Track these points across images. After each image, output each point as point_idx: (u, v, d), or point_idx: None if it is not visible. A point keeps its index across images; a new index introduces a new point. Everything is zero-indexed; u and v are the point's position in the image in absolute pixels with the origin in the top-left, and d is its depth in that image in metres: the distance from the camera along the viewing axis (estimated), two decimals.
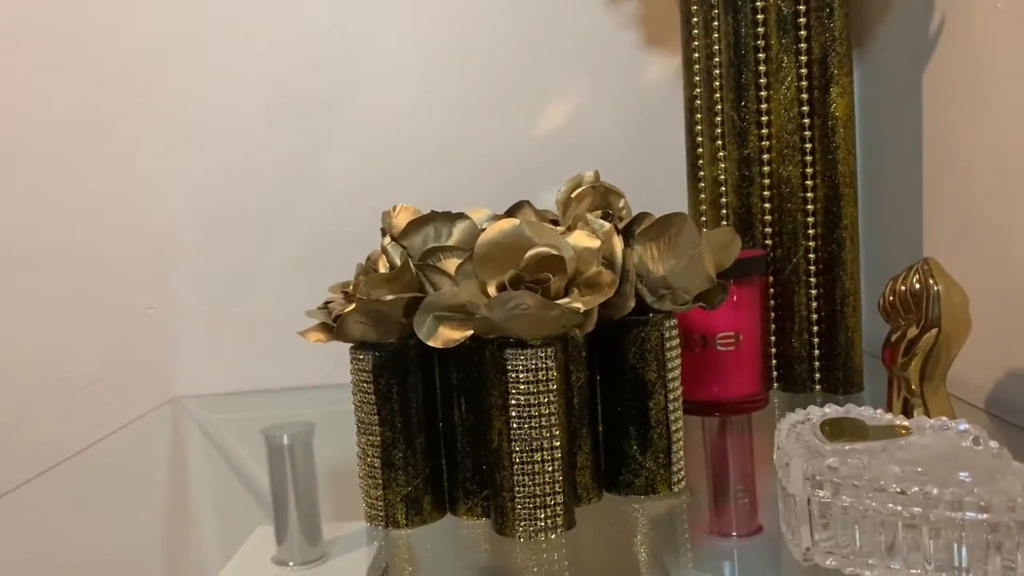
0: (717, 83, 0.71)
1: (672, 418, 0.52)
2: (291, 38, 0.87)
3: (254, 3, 0.86)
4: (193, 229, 0.87)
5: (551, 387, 0.47)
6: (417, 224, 0.52)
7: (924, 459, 0.42)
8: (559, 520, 0.48)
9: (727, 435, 0.66)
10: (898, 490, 0.39)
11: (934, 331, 0.54)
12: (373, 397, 0.50)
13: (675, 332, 0.52)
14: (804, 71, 0.68)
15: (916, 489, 0.39)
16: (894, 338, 0.56)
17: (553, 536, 0.48)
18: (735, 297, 0.64)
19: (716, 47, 0.71)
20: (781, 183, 0.70)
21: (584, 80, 0.88)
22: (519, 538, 0.48)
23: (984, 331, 0.56)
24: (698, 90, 0.73)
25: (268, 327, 0.88)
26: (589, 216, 0.51)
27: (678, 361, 0.53)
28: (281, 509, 0.48)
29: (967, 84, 0.67)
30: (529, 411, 0.47)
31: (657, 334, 0.51)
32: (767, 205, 0.70)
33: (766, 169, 0.70)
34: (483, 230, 0.51)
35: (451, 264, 0.50)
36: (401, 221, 0.53)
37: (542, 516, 0.48)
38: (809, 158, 0.69)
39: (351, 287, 0.52)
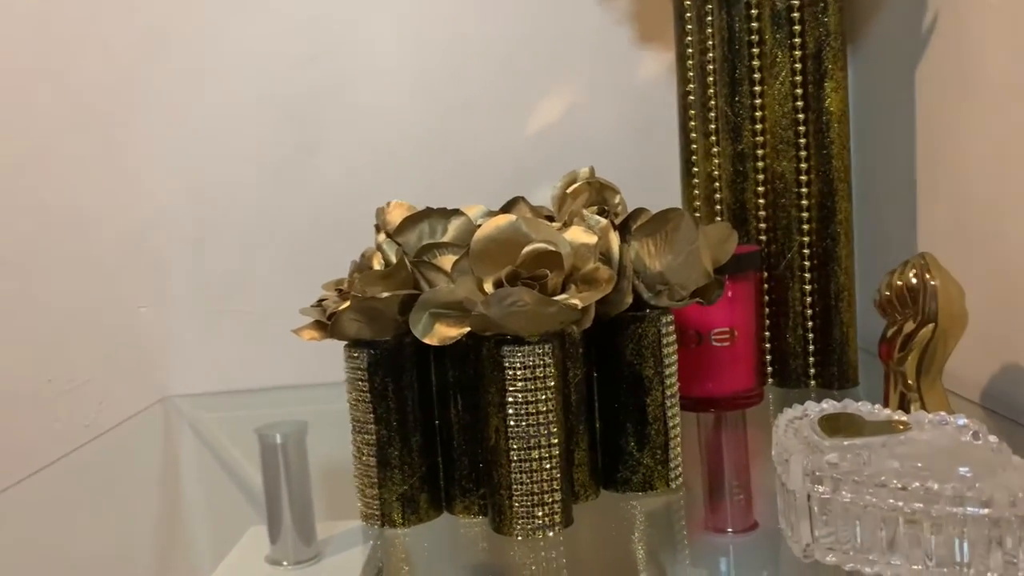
0: (711, 79, 0.71)
1: (669, 414, 0.52)
2: (284, 34, 0.86)
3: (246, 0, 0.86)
4: (185, 227, 0.87)
5: (549, 384, 0.47)
6: (412, 220, 0.51)
7: (924, 454, 0.42)
8: (557, 518, 0.48)
9: (722, 431, 0.66)
10: (899, 486, 0.39)
11: (931, 326, 0.54)
12: (368, 395, 0.50)
13: (672, 328, 0.52)
14: (798, 66, 0.68)
15: (917, 484, 0.39)
16: (890, 333, 0.56)
17: (551, 534, 0.48)
18: (730, 293, 0.64)
19: (710, 42, 0.70)
20: (775, 178, 0.69)
21: (578, 77, 0.88)
22: (517, 536, 0.48)
23: (978, 326, 0.56)
24: (692, 86, 0.73)
25: (260, 325, 0.88)
26: (585, 212, 0.51)
27: (675, 357, 0.53)
28: (275, 508, 0.47)
29: (960, 79, 0.67)
30: (527, 408, 0.47)
31: (654, 330, 0.51)
32: (761, 201, 0.70)
33: (760, 164, 0.70)
34: (479, 226, 0.51)
35: (447, 261, 0.49)
36: (395, 217, 0.53)
37: (540, 514, 0.47)
38: (803, 153, 0.69)
39: (345, 284, 0.52)
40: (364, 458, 0.50)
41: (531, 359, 0.47)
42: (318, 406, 0.84)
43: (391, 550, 0.50)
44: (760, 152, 0.70)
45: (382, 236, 0.51)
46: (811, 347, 0.70)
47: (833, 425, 0.46)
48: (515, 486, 0.47)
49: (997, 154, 0.63)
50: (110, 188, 0.86)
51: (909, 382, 0.55)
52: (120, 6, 0.84)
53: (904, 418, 0.46)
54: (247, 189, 0.87)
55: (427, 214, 0.52)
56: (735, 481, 0.59)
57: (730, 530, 0.52)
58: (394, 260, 0.50)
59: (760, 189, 0.70)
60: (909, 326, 0.55)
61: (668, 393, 0.52)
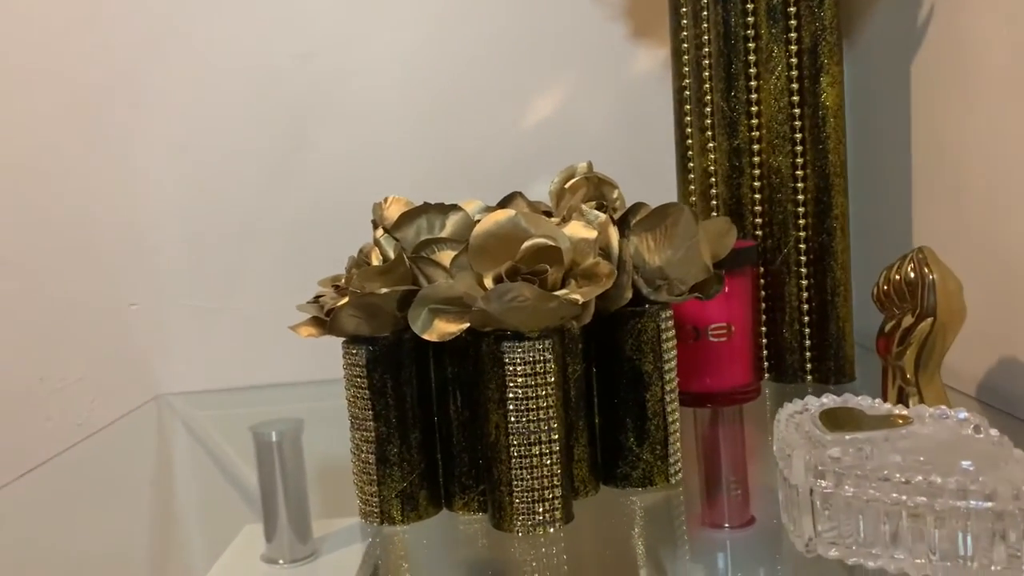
0: (706, 73, 0.71)
1: (669, 410, 0.52)
2: (278, 31, 0.85)
3: None
4: (177, 223, 0.86)
5: (549, 380, 0.47)
6: (409, 216, 0.51)
7: (926, 448, 0.42)
8: (558, 514, 0.48)
9: (719, 426, 0.66)
10: (902, 479, 0.39)
11: (929, 320, 0.54)
12: (367, 392, 0.49)
13: (671, 323, 0.52)
14: (794, 60, 0.68)
15: (920, 478, 0.39)
16: (888, 327, 0.56)
17: (552, 530, 0.48)
18: (727, 288, 0.64)
19: (705, 37, 0.70)
20: (771, 173, 0.69)
21: (573, 71, 0.87)
22: (517, 532, 0.47)
23: (974, 320, 0.56)
24: (687, 81, 0.72)
25: (253, 322, 0.87)
26: (584, 207, 0.51)
27: (674, 352, 0.53)
28: (270, 506, 0.47)
29: (956, 73, 0.67)
30: (527, 404, 0.47)
31: (653, 325, 0.51)
32: (757, 196, 0.70)
33: (756, 160, 0.70)
34: (477, 222, 0.51)
35: (445, 256, 0.49)
36: (393, 213, 0.53)
37: (540, 510, 0.47)
38: (799, 148, 0.69)
39: (343, 280, 0.52)
40: (363, 455, 0.50)
41: (531, 355, 0.46)
42: (312, 403, 0.84)
43: (388, 547, 0.50)
44: (756, 147, 0.69)
45: (380, 232, 0.51)
46: (807, 342, 0.70)
47: (834, 420, 0.46)
48: (515, 482, 0.47)
49: (993, 149, 0.63)
50: (102, 185, 0.85)
51: (908, 376, 0.55)
52: (117, 3, 0.84)
53: (905, 412, 0.46)
54: (240, 185, 0.86)
55: (425, 209, 0.51)
56: (732, 477, 0.59)
57: (727, 526, 0.52)
58: (392, 256, 0.49)
59: (756, 184, 0.70)
60: (908, 320, 0.55)
61: (667, 388, 0.52)
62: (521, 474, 0.47)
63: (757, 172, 0.70)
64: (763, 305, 0.71)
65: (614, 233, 0.49)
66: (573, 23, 0.86)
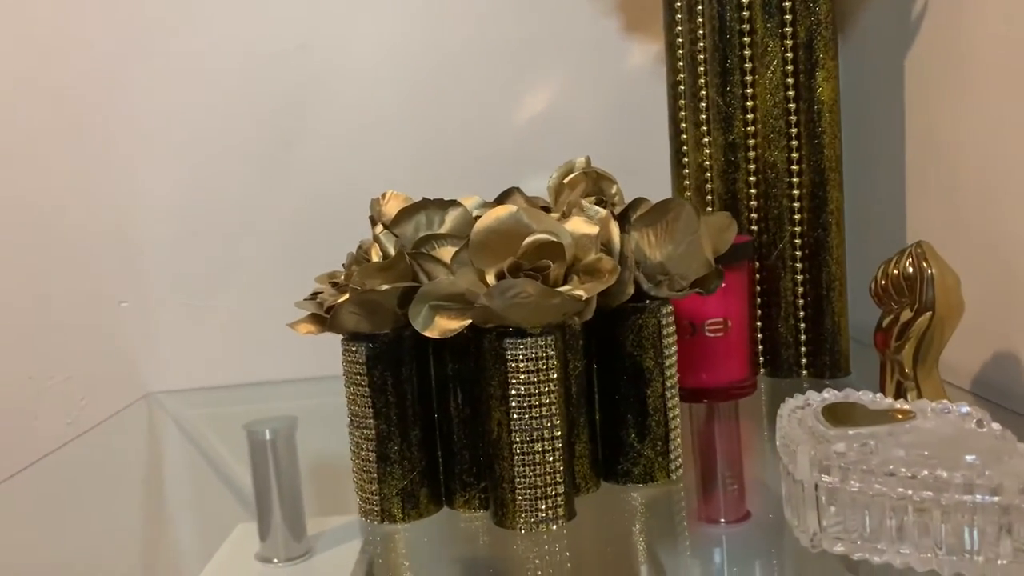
0: (701, 68, 0.71)
1: (669, 405, 0.52)
2: (267, 27, 0.85)
3: None
4: (167, 220, 0.85)
5: (551, 376, 0.47)
6: (408, 212, 0.51)
7: (929, 443, 0.42)
8: (560, 511, 0.47)
9: (715, 422, 0.66)
10: (908, 474, 0.39)
11: (928, 314, 0.54)
12: (367, 390, 0.49)
13: (672, 319, 0.52)
14: (790, 55, 0.68)
15: (926, 473, 0.39)
16: (886, 322, 0.56)
17: (555, 527, 0.47)
18: (723, 283, 0.64)
19: (700, 32, 0.70)
20: (767, 168, 0.69)
21: (565, 66, 0.87)
22: (520, 530, 0.47)
23: (969, 314, 0.56)
24: (682, 75, 0.72)
25: (245, 320, 0.87)
26: (584, 202, 0.51)
27: (675, 348, 0.53)
28: (264, 505, 0.47)
29: (951, 67, 0.67)
30: (529, 401, 0.46)
31: (654, 321, 0.51)
32: (753, 191, 0.70)
33: (751, 155, 0.70)
34: (476, 217, 0.50)
35: (445, 252, 0.49)
36: (391, 209, 0.52)
37: (543, 507, 0.47)
38: (795, 143, 0.69)
39: (342, 277, 0.51)
40: (363, 453, 0.50)
41: (534, 351, 0.46)
42: (304, 401, 0.83)
43: (384, 545, 0.49)
44: (751, 142, 0.69)
45: (379, 228, 0.50)
46: (803, 337, 0.70)
47: (836, 415, 0.46)
48: (518, 480, 0.47)
49: (987, 143, 0.63)
50: (90, 181, 0.84)
51: (906, 371, 0.55)
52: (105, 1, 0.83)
53: (906, 407, 0.46)
54: (230, 181, 0.86)
55: (424, 205, 0.51)
56: (728, 472, 0.59)
57: (723, 520, 0.52)
58: (392, 252, 0.49)
59: (752, 179, 0.70)
60: (906, 315, 0.55)
61: (668, 384, 0.52)
62: (524, 471, 0.47)
63: (752, 167, 0.70)
64: (758, 300, 0.71)
65: (615, 229, 0.49)
66: (566, 17, 0.86)
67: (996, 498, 0.38)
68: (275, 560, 0.47)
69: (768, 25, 0.68)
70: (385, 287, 0.47)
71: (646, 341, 0.51)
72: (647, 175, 0.77)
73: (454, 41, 0.86)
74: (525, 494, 0.47)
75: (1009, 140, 0.60)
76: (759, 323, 0.71)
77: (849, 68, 0.79)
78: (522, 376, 0.46)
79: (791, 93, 0.68)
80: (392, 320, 0.49)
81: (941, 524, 0.39)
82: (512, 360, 0.46)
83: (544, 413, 0.47)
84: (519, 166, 0.84)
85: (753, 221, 0.70)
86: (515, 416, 0.46)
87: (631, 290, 0.49)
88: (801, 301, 0.70)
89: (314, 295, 0.53)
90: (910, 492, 0.39)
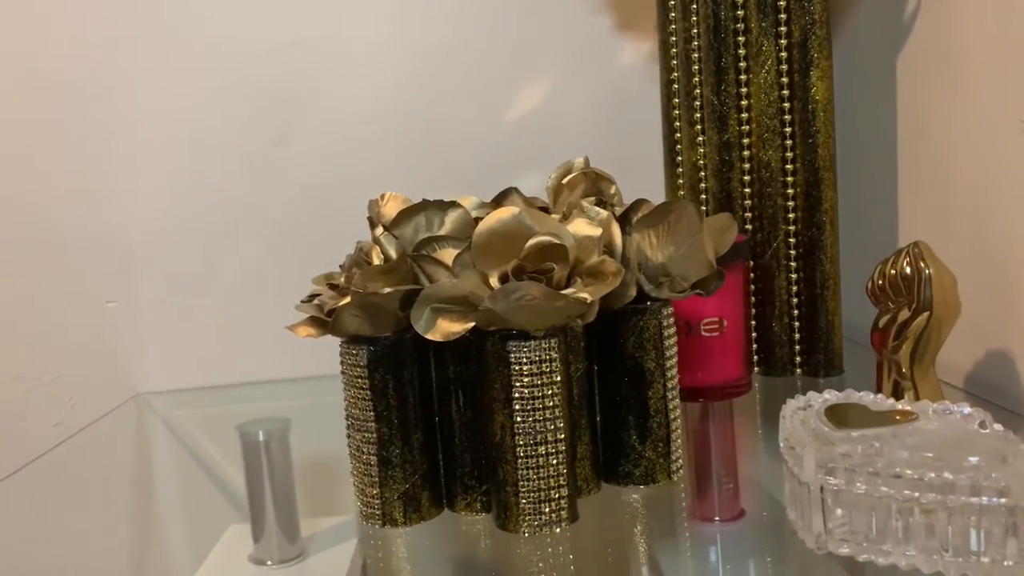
0: (696, 67, 0.71)
1: (670, 407, 0.52)
2: (257, 25, 0.84)
3: None
4: (156, 218, 0.84)
5: (555, 379, 0.46)
6: (408, 213, 0.50)
7: (933, 444, 0.43)
8: (564, 514, 0.47)
9: (710, 421, 0.66)
10: (915, 476, 0.39)
11: (925, 314, 0.54)
12: (368, 393, 0.48)
13: (672, 320, 0.52)
14: (784, 55, 0.68)
15: (933, 475, 0.39)
16: (883, 322, 0.57)
17: (558, 530, 0.47)
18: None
19: (695, 31, 0.70)
20: (761, 167, 0.69)
21: (557, 64, 0.87)
22: (524, 533, 0.47)
23: (962, 312, 0.56)
24: (676, 74, 0.72)
25: (234, 320, 0.86)
26: (585, 203, 0.50)
27: (675, 349, 0.52)
28: (258, 507, 0.47)
29: (942, 67, 0.67)
30: (533, 404, 0.46)
31: (655, 322, 0.51)
32: (747, 190, 0.70)
33: (746, 154, 0.70)
34: (476, 219, 0.50)
35: (446, 254, 0.48)
36: (390, 210, 0.52)
37: (547, 510, 0.47)
38: (789, 142, 0.69)
39: (341, 279, 0.51)
40: (364, 457, 0.49)
41: (537, 354, 0.46)
42: (294, 400, 0.83)
43: (378, 546, 0.49)
44: (746, 141, 0.69)
45: (380, 230, 0.50)
46: (797, 335, 0.70)
47: (838, 416, 0.46)
48: (521, 483, 0.47)
49: (979, 143, 0.64)
50: (79, 179, 0.83)
51: (903, 370, 0.56)
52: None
53: (908, 408, 0.46)
54: (220, 180, 0.85)
55: (423, 207, 0.50)
56: (723, 471, 0.59)
57: (718, 519, 0.52)
58: (394, 254, 0.49)
59: (746, 178, 0.70)
60: (904, 314, 0.55)
61: (669, 386, 0.52)
62: (527, 474, 0.47)
63: (747, 166, 0.70)
64: (753, 299, 0.71)
65: (617, 230, 0.49)
66: (558, 15, 0.86)
67: (1003, 500, 0.38)
68: (269, 562, 0.47)
69: (763, 24, 0.68)
70: (388, 290, 0.46)
71: (647, 342, 0.51)
72: (640, 174, 0.77)
73: (445, 39, 0.85)
74: (529, 497, 0.47)
75: (1000, 140, 0.61)
76: (753, 322, 0.71)
77: (842, 68, 0.80)
78: (525, 379, 0.46)
79: (785, 92, 0.68)
80: (393, 323, 0.48)
81: (948, 526, 0.39)
82: (516, 363, 0.46)
83: (548, 416, 0.46)
84: (511, 164, 0.84)
85: (747, 220, 0.70)
86: (519, 419, 0.46)
87: (633, 292, 0.49)
88: (795, 300, 0.70)
89: (311, 297, 0.53)
90: (916, 494, 0.39)
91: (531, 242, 0.46)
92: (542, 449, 0.47)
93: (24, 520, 0.61)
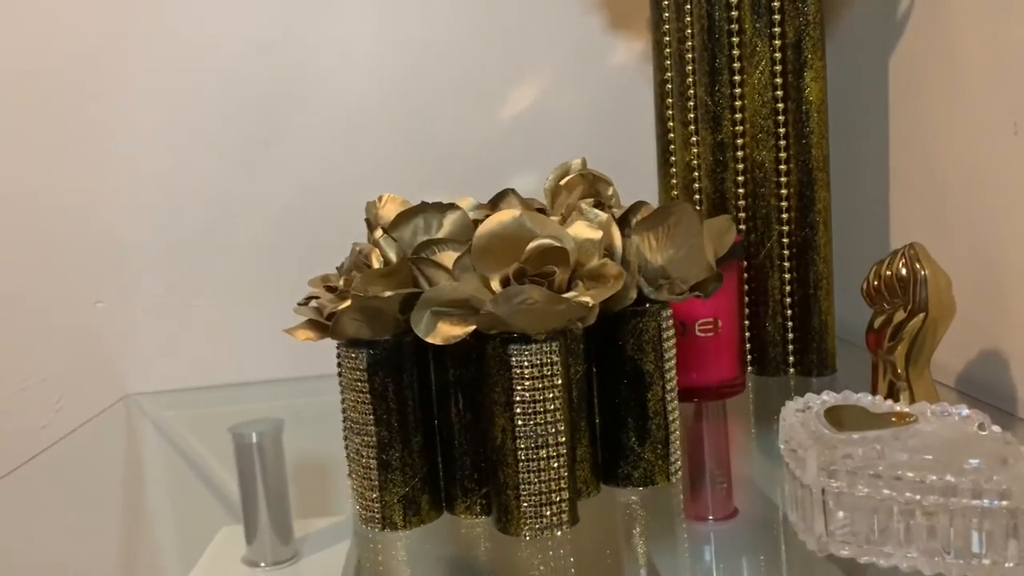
0: (690, 67, 0.71)
1: (669, 408, 0.52)
2: (250, 23, 0.83)
3: None
4: (146, 217, 0.84)
5: (556, 382, 0.46)
6: (406, 216, 0.50)
7: (933, 446, 0.43)
8: (565, 516, 0.47)
9: (703, 420, 0.66)
10: (917, 479, 0.39)
11: (921, 315, 0.55)
12: (368, 396, 0.48)
13: (671, 322, 0.52)
14: (778, 55, 0.68)
15: (935, 477, 0.39)
16: (879, 323, 0.57)
17: (559, 533, 0.47)
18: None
19: (688, 31, 0.70)
20: (755, 168, 0.70)
21: (549, 64, 0.86)
22: (525, 536, 0.47)
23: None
24: (669, 74, 0.72)
25: (223, 320, 0.85)
26: (584, 206, 0.50)
27: (674, 351, 0.52)
28: (251, 509, 0.46)
29: (936, 67, 0.67)
30: (534, 407, 0.46)
31: (655, 324, 0.51)
32: (741, 190, 0.70)
33: (740, 154, 0.70)
34: (475, 221, 0.50)
35: (446, 257, 0.48)
36: (388, 212, 0.52)
37: (548, 513, 0.47)
38: (783, 143, 0.69)
39: (340, 281, 0.50)
40: (363, 460, 0.49)
41: (538, 357, 0.46)
42: (285, 401, 0.82)
43: (373, 547, 0.49)
44: (740, 141, 0.70)
45: (379, 232, 0.50)
46: (790, 335, 0.71)
47: (837, 417, 0.46)
48: (523, 486, 0.46)
49: (972, 143, 0.64)
50: (67, 178, 0.82)
51: (899, 371, 0.56)
52: None
53: (907, 409, 0.47)
54: (211, 179, 0.84)
55: (422, 209, 0.50)
56: (717, 470, 0.59)
57: (711, 518, 0.52)
58: (394, 257, 0.48)
59: (740, 179, 0.70)
60: (899, 316, 0.55)
61: (668, 388, 0.52)
62: (528, 477, 0.46)
63: (741, 166, 0.70)
64: (746, 299, 0.71)
65: (617, 233, 0.49)
66: (551, 14, 0.85)
67: (1004, 502, 0.38)
68: (262, 564, 0.47)
69: (757, 25, 0.68)
70: (389, 294, 0.46)
71: (646, 345, 0.51)
72: (633, 174, 0.77)
73: (438, 38, 0.85)
74: (530, 500, 0.47)
75: (993, 140, 0.61)
76: (747, 322, 0.71)
77: (836, 68, 0.80)
78: (527, 382, 0.46)
79: (779, 93, 0.68)
80: (393, 326, 0.48)
81: (949, 528, 0.39)
82: (517, 366, 0.46)
83: (549, 419, 0.46)
84: (503, 164, 0.84)
85: (741, 220, 0.70)
86: (520, 423, 0.46)
87: (634, 295, 0.49)
88: (788, 300, 0.70)
89: (307, 299, 0.52)
90: (918, 497, 0.39)
91: (532, 245, 0.45)
92: (543, 452, 0.46)
93: (11, 526, 0.60)
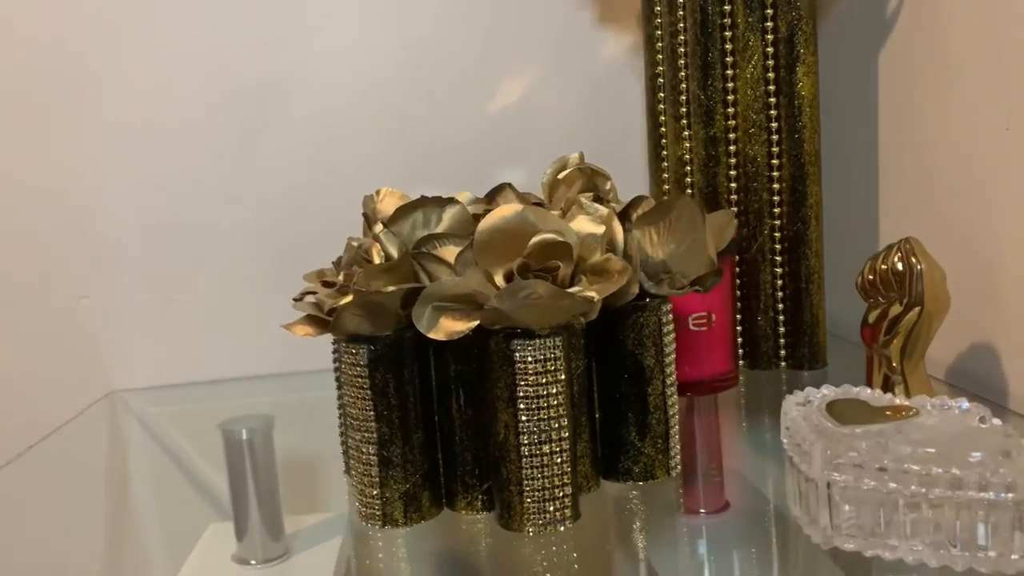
0: (681, 61, 0.71)
1: (669, 403, 0.52)
2: (237, 18, 0.82)
3: None
4: (131, 211, 0.82)
5: (559, 377, 0.46)
6: (405, 210, 0.50)
7: (935, 439, 0.43)
8: (568, 512, 0.47)
9: (696, 414, 0.66)
10: (923, 472, 0.40)
11: (917, 309, 0.55)
12: (369, 392, 0.48)
13: (671, 317, 0.52)
14: (770, 50, 0.68)
15: (940, 470, 0.39)
16: (874, 316, 0.57)
17: (562, 528, 0.47)
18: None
19: (681, 25, 0.70)
20: (747, 162, 0.70)
21: (539, 58, 0.86)
22: (528, 532, 0.47)
23: None
24: (661, 68, 0.72)
25: (209, 315, 0.84)
26: (584, 200, 0.50)
27: (674, 346, 0.53)
28: (241, 506, 0.46)
29: (924, 62, 0.68)
30: (538, 402, 0.46)
31: (655, 319, 0.51)
32: (733, 184, 0.70)
33: (732, 148, 0.70)
34: (474, 216, 0.49)
35: (447, 252, 0.48)
36: (387, 207, 0.51)
37: (551, 509, 0.47)
38: (775, 137, 0.69)
39: (340, 276, 0.50)
40: (364, 456, 0.49)
41: (542, 352, 0.46)
42: (272, 397, 0.82)
43: (366, 544, 0.49)
44: (732, 136, 0.70)
45: (379, 227, 0.49)
46: (781, 329, 0.71)
47: (838, 411, 0.47)
48: (526, 482, 0.46)
49: (963, 138, 0.64)
50: (50, 171, 0.81)
51: (894, 365, 0.56)
52: None
53: (907, 403, 0.47)
54: (197, 172, 0.83)
55: (421, 203, 0.50)
56: (710, 464, 0.60)
57: (703, 511, 0.52)
58: (394, 253, 0.48)
59: (732, 173, 0.70)
60: (895, 309, 0.56)
61: (668, 382, 0.52)
62: (532, 473, 0.46)
63: (733, 161, 0.70)
64: (738, 293, 0.71)
65: (618, 227, 0.49)
66: (541, 8, 0.85)
67: (1010, 495, 0.38)
68: (253, 561, 0.46)
69: (749, 19, 0.68)
70: (391, 289, 0.46)
71: (647, 339, 0.51)
72: (624, 168, 0.77)
73: (428, 33, 0.84)
74: (533, 496, 0.46)
75: (984, 136, 0.62)
76: (738, 316, 0.72)
77: (828, 63, 0.80)
78: (530, 378, 0.46)
79: (772, 87, 0.69)
80: (394, 322, 0.48)
81: (955, 520, 0.39)
82: (520, 362, 0.46)
83: (552, 414, 0.46)
84: (494, 159, 0.83)
85: (733, 215, 0.70)
86: (523, 418, 0.46)
87: (636, 289, 0.49)
88: (780, 294, 0.71)
89: (303, 295, 0.52)
90: (924, 490, 0.40)
91: (535, 240, 0.45)
92: (546, 448, 0.46)
93: None
